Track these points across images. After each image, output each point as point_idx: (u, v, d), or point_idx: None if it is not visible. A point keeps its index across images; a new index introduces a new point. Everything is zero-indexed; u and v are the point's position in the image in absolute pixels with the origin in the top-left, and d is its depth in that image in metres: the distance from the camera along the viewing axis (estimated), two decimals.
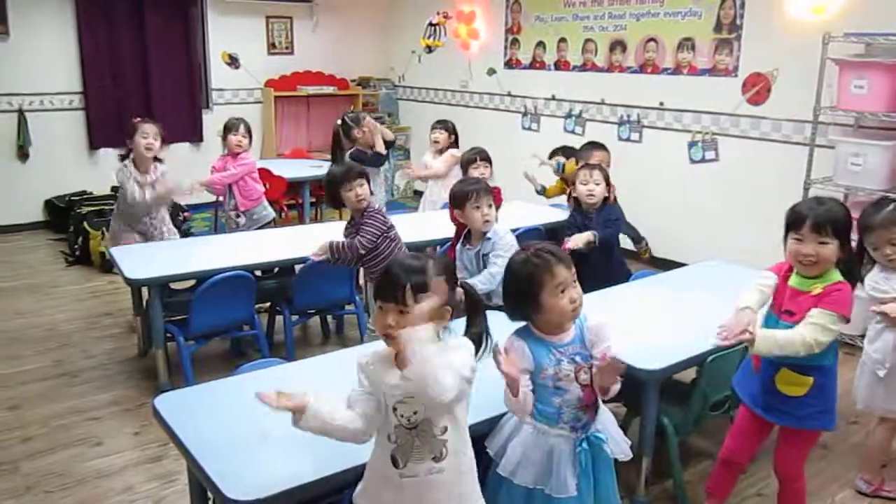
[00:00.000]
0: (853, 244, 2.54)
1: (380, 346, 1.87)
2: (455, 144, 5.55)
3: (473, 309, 1.90)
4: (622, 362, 2.03)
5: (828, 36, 4.46)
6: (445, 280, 1.80)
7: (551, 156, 5.13)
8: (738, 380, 2.69)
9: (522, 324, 2.12)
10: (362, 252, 3.73)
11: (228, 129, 4.99)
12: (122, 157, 4.57)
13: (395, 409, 1.79)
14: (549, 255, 2.04)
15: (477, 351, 1.84)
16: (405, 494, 1.81)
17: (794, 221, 2.39)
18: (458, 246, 3.64)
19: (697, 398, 2.82)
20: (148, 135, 4.47)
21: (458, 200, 3.52)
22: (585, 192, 3.89)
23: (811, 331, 2.29)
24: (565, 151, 5.09)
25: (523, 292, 2.04)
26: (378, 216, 3.79)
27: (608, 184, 3.95)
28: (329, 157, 7.80)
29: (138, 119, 4.60)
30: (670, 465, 2.90)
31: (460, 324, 1.89)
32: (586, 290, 2.16)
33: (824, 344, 2.30)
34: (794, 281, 2.45)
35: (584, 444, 2.09)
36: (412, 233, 4.18)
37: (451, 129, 5.57)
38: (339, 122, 5.37)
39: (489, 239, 3.50)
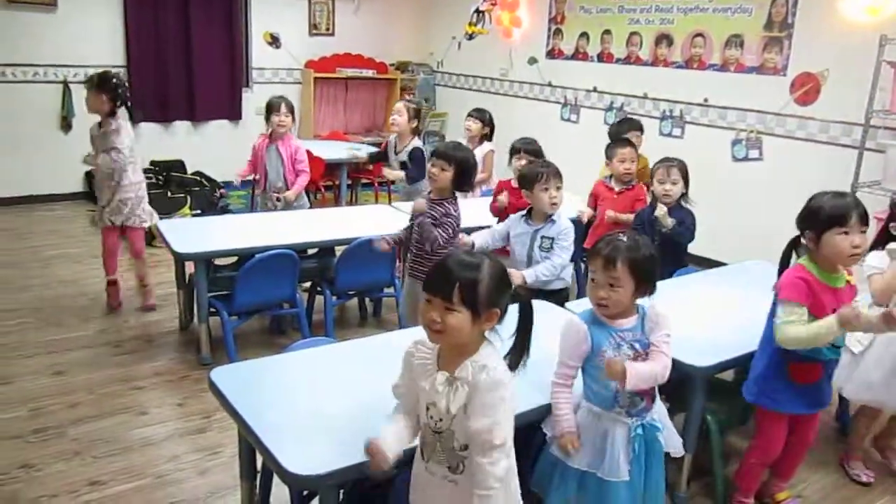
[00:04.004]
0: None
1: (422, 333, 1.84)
2: (489, 136, 5.50)
3: (525, 320, 1.85)
4: (621, 365, 2.02)
5: (884, 38, 4.39)
6: (497, 282, 1.75)
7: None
8: (787, 397, 2.62)
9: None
10: (439, 245, 3.37)
11: (271, 108, 4.87)
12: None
13: (427, 409, 1.82)
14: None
15: (517, 363, 1.83)
16: (432, 482, 1.86)
17: (836, 217, 2.37)
18: (515, 217, 3.58)
19: (740, 397, 2.81)
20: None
21: (527, 181, 3.48)
22: (662, 192, 3.82)
23: None
24: (630, 123, 5.04)
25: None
26: (458, 211, 3.50)
27: (686, 182, 3.88)
28: (366, 139, 7.92)
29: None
30: (712, 462, 2.90)
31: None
32: None
33: None
34: (826, 279, 2.45)
35: (640, 430, 2.11)
36: None
37: (486, 121, 5.46)
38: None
39: (553, 222, 3.46)
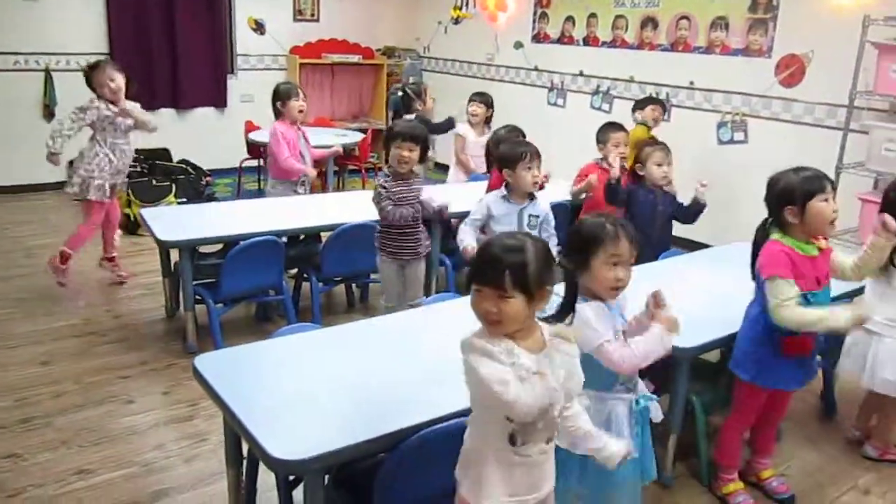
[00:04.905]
0: None
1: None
2: (491, 118, 5.53)
3: (571, 291, 1.83)
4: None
5: (868, 19, 4.40)
6: (544, 261, 1.72)
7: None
8: (781, 372, 2.65)
9: None
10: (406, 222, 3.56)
11: (287, 94, 4.64)
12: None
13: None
14: (622, 229, 2.10)
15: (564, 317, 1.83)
16: (514, 473, 1.78)
17: (817, 187, 2.49)
18: (493, 199, 3.61)
19: (725, 378, 2.83)
20: (115, 76, 4.39)
21: (509, 160, 3.53)
22: (660, 175, 3.87)
23: None
24: (653, 101, 5.41)
25: (579, 249, 2.06)
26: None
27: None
28: (352, 125, 7.90)
29: (89, 65, 4.45)
30: (697, 443, 2.93)
31: None
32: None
33: None
34: (802, 251, 2.52)
35: (639, 403, 2.18)
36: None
37: (489, 103, 5.52)
38: (400, 93, 5.37)
39: (534, 201, 3.56)
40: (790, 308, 2.44)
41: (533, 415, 1.68)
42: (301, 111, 4.70)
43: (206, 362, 2.34)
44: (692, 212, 3.90)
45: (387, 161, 3.68)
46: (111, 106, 4.39)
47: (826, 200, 2.49)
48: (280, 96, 4.66)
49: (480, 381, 1.65)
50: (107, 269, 4.84)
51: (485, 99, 5.53)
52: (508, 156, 3.56)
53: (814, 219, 2.50)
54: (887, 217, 2.64)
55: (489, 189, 4.17)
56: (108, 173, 4.48)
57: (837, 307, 2.55)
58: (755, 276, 2.62)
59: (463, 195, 4.24)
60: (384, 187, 3.49)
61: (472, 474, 1.81)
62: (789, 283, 2.45)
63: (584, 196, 4.27)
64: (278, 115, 4.68)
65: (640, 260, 2.14)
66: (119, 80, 4.40)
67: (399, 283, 3.66)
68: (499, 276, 1.66)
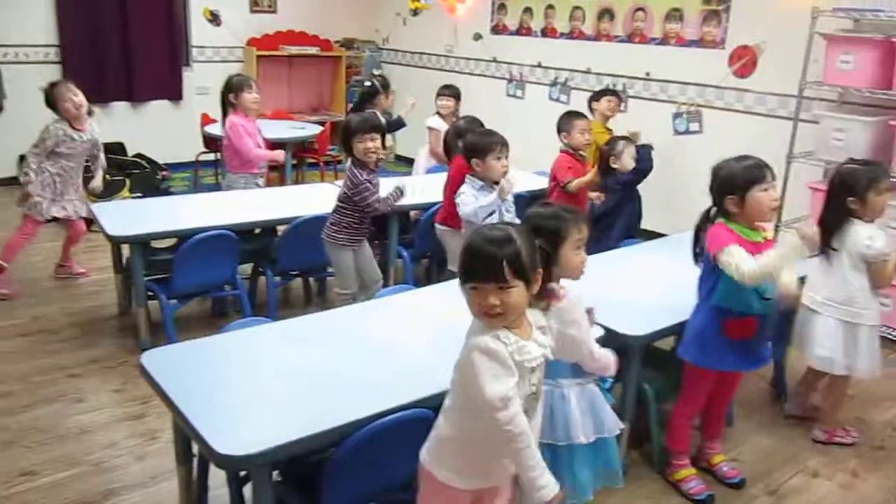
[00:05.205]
0: None
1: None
2: (459, 110, 5.57)
3: (547, 272, 1.85)
4: None
5: (816, 10, 4.47)
6: (531, 243, 1.74)
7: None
8: (725, 355, 2.69)
9: None
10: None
11: (240, 86, 4.55)
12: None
13: (532, 371, 1.77)
14: (578, 214, 2.16)
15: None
16: (504, 454, 1.81)
17: (757, 177, 2.54)
18: (476, 187, 3.65)
19: (677, 365, 2.86)
20: (77, 92, 4.34)
21: (480, 150, 3.60)
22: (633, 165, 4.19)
23: None
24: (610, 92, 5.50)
25: (546, 239, 2.01)
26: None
27: None
28: (311, 118, 7.84)
29: (50, 84, 4.41)
30: (649, 430, 2.96)
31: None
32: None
33: None
34: (748, 236, 2.57)
35: (594, 387, 2.27)
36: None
37: (457, 95, 5.61)
38: (368, 83, 5.37)
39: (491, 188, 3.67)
40: (749, 262, 2.46)
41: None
42: (255, 103, 4.63)
43: (154, 358, 2.31)
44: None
45: (352, 156, 3.70)
46: (72, 130, 4.34)
47: (766, 190, 2.54)
48: (233, 88, 4.55)
49: (481, 390, 1.66)
50: (61, 275, 4.77)
51: (453, 91, 5.60)
52: (479, 146, 3.63)
53: (753, 208, 2.55)
54: (805, 229, 2.78)
55: (452, 178, 4.17)
56: (48, 195, 4.38)
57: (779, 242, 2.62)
58: (700, 260, 2.69)
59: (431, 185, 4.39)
60: (368, 181, 3.58)
61: (451, 463, 1.84)
62: (736, 246, 2.50)
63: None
64: (232, 107, 4.59)
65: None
66: (81, 97, 4.35)
67: (355, 268, 3.75)
68: (497, 270, 1.66)
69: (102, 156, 4.64)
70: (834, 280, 3.00)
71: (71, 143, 4.34)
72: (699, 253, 2.71)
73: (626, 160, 4.11)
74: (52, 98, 4.33)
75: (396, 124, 5.72)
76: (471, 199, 3.62)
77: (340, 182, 4.79)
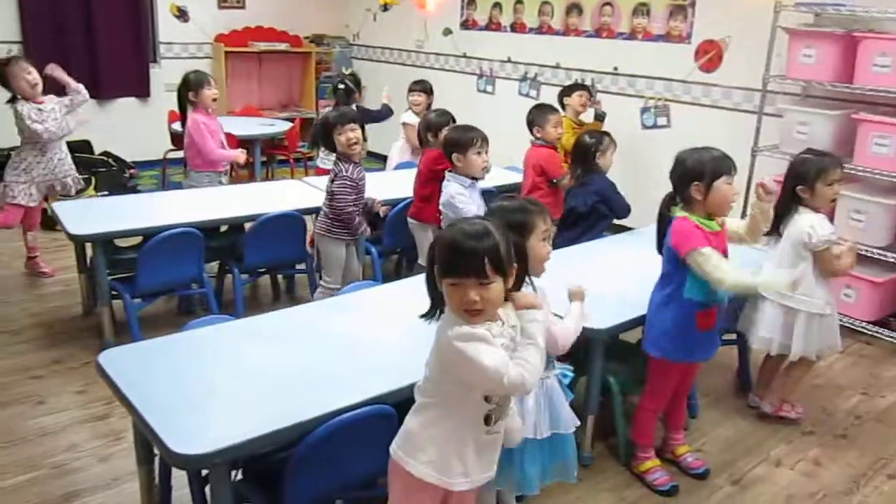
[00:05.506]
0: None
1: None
2: (431, 105, 5.54)
3: (522, 265, 1.83)
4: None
5: (779, 4, 4.52)
6: (507, 237, 1.73)
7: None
8: (695, 347, 2.73)
9: None
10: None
11: (199, 83, 4.46)
12: (11, 101, 4.38)
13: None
14: (541, 205, 2.20)
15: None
16: (482, 451, 1.83)
17: (725, 168, 2.58)
18: (461, 183, 3.66)
19: (642, 358, 2.88)
20: (32, 69, 4.32)
21: (460, 145, 3.60)
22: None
23: None
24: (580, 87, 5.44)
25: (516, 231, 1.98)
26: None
27: None
28: (281, 115, 7.78)
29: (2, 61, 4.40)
30: (615, 422, 2.98)
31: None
32: None
33: None
34: (707, 226, 2.61)
35: (553, 381, 2.28)
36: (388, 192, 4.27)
37: (428, 90, 5.57)
38: (342, 85, 5.36)
39: (476, 182, 3.73)
40: (725, 271, 2.50)
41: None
42: (215, 100, 4.57)
43: (112, 358, 2.29)
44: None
45: (335, 150, 3.73)
46: (35, 104, 4.32)
47: (730, 183, 2.59)
48: (192, 86, 4.47)
49: (482, 368, 1.65)
50: (33, 271, 4.72)
51: (424, 87, 5.57)
52: (460, 141, 3.64)
53: (717, 198, 2.58)
54: (764, 180, 2.77)
55: (421, 172, 4.15)
56: (37, 174, 4.45)
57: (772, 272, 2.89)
58: (665, 251, 2.70)
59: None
60: (351, 178, 3.65)
61: (426, 458, 1.80)
62: (710, 249, 2.53)
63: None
64: (190, 105, 4.51)
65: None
66: (35, 74, 4.30)
67: (342, 262, 3.82)
68: (478, 265, 1.65)
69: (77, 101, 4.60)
70: (778, 266, 3.07)
71: (39, 114, 4.33)
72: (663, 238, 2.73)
73: (610, 158, 4.09)
74: (4, 76, 4.28)
75: (385, 114, 5.67)
76: (469, 201, 3.61)
77: (309, 179, 4.80)
